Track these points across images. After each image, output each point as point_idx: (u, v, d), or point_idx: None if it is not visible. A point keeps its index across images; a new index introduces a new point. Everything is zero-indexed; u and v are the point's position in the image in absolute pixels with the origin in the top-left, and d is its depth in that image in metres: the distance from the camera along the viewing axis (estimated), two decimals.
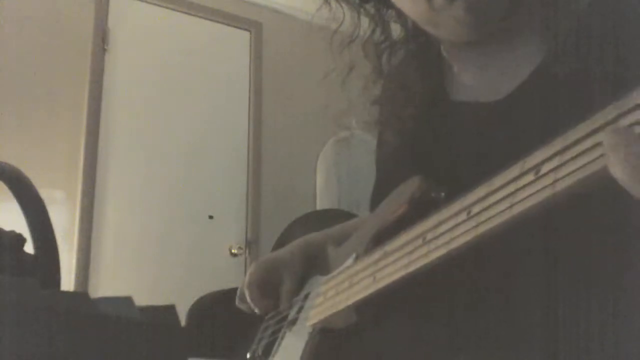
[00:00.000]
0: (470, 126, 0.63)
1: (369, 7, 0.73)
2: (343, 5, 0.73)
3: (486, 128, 0.61)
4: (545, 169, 0.35)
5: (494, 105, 0.61)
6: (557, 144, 0.35)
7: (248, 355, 0.82)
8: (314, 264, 0.80)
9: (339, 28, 0.74)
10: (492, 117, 0.61)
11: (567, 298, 0.50)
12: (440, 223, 0.45)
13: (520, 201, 0.38)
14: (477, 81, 0.66)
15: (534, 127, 0.55)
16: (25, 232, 1.00)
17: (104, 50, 3.15)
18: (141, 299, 0.94)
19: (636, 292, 0.38)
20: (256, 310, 0.83)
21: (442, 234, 0.44)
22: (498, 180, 0.41)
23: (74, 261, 2.83)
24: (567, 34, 0.55)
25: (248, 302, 0.82)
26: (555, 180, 0.34)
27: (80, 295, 0.90)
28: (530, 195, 0.37)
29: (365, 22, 0.74)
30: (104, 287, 2.87)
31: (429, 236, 0.46)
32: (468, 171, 0.60)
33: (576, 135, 0.34)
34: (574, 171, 0.33)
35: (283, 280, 0.81)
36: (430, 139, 0.67)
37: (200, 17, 3.49)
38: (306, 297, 0.75)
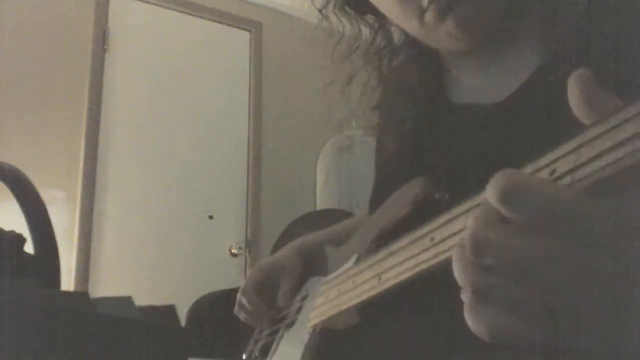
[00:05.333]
0: (470, 128, 0.63)
1: (368, 17, 0.73)
2: (342, 19, 0.74)
3: (486, 130, 0.61)
4: (560, 169, 0.34)
5: (493, 107, 0.61)
6: (574, 143, 0.34)
7: (244, 356, 0.82)
8: (312, 265, 0.80)
9: (339, 40, 0.75)
10: (492, 119, 0.61)
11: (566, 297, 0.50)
12: (447, 223, 0.44)
13: None
14: (477, 84, 0.66)
15: (534, 128, 0.55)
16: (25, 232, 1.00)
17: (104, 50, 3.15)
18: (141, 299, 0.94)
19: (637, 291, 0.37)
20: (253, 318, 0.82)
21: (451, 235, 0.44)
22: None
23: (74, 261, 2.83)
24: (566, 36, 0.55)
25: (246, 307, 0.82)
26: (572, 182, 0.33)
27: (80, 295, 0.90)
28: None
29: (366, 30, 0.75)
30: (104, 287, 2.87)
31: (437, 237, 0.45)
32: (468, 173, 0.60)
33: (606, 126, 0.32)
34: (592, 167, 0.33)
35: (281, 283, 0.80)
36: (430, 141, 0.68)
37: (200, 17, 3.49)
38: (304, 298, 0.74)
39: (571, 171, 0.33)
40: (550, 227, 0.32)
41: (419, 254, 0.47)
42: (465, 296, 0.35)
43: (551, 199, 0.32)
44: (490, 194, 0.33)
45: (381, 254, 0.54)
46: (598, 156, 0.31)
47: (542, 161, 0.35)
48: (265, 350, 0.76)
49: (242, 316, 0.84)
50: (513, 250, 0.32)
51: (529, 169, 0.36)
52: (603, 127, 0.31)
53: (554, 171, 0.34)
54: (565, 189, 0.32)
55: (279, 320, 0.78)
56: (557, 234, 0.32)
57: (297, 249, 0.85)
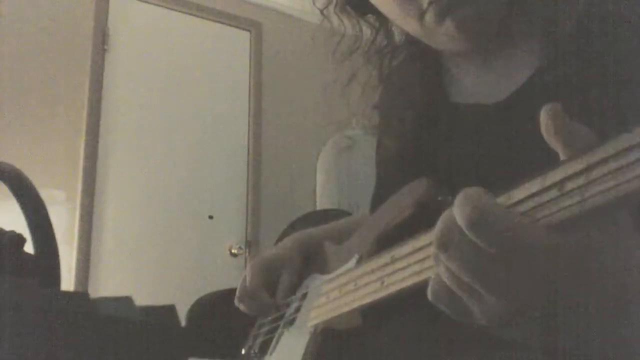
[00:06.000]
0: (470, 127, 0.63)
1: (369, 17, 0.73)
2: (343, 19, 0.74)
3: (486, 129, 0.61)
4: (569, 185, 0.34)
5: (494, 106, 0.61)
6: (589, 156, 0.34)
7: (242, 351, 0.81)
8: (312, 262, 0.80)
9: (340, 41, 0.75)
10: (492, 119, 0.61)
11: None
12: None
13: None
14: (477, 83, 0.66)
15: (533, 129, 0.55)
16: (25, 232, 0.99)
17: (104, 50, 3.15)
18: (141, 299, 0.94)
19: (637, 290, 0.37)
20: (255, 311, 0.82)
21: None
22: (517, 192, 0.39)
23: (74, 261, 2.83)
24: (564, 37, 0.56)
25: (247, 302, 0.82)
26: (583, 200, 0.33)
27: (80, 295, 0.90)
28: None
29: (367, 29, 0.75)
30: (104, 287, 2.87)
31: None
32: (468, 172, 0.60)
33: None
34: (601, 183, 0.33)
35: (281, 278, 0.80)
36: (430, 140, 0.68)
37: (200, 17, 3.49)
38: (304, 296, 0.74)
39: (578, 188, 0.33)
40: (510, 257, 0.35)
41: (423, 260, 0.47)
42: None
43: (513, 234, 0.34)
44: (458, 218, 0.35)
45: (384, 257, 0.53)
46: (605, 176, 0.32)
47: (550, 177, 0.35)
48: (265, 347, 0.76)
49: (242, 307, 0.84)
50: (471, 264, 0.36)
51: (537, 184, 0.36)
52: (586, 162, 0.32)
53: (561, 189, 0.34)
54: (529, 225, 0.35)
55: (278, 317, 0.78)
56: (516, 264, 0.35)
57: (298, 243, 0.85)
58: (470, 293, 0.38)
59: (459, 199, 0.36)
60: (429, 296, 0.40)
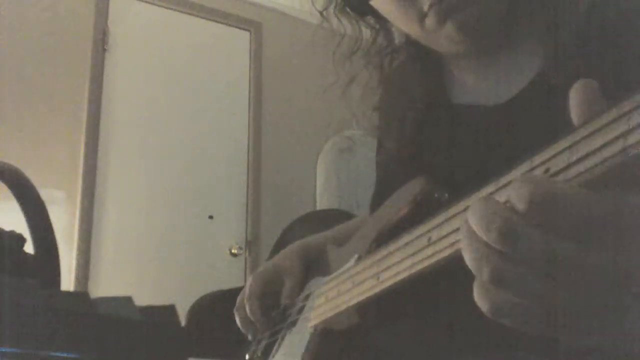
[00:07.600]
0: (472, 129, 0.63)
1: (369, 18, 0.73)
2: (343, 20, 0.74)
3: (487, 131, 0.61)
4: (554, 167, 0.35)
5: (495, 108, 0.61)
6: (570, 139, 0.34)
7: (247, 356, 0.82)
8: (314, 266, 0.80)
9: (340, 42, 0.75)
10: (493, 120, 0.61)
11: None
12: (444, 222, 0.44)
13: None
14: (478, 85, 0.66)
15: (535, 132, 0.55)
16: (25, 232, 0.99)
17: (104, 50, 3.15)
18: (141, 299, 0.94)
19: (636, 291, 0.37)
20: (247, 325, 0.82)
21: (448, 234, 0.44)
22: (505, 179, 0.40)
23: (74, 261, 2.83)
24: (566, 40, 0.56)
25: (247, 315, 0.81)
26: (565, 180, 0.33)
27: (80, 295, 0.90)
28: None
29: (366, 30, 0.75)
30: (104, 287, 2.87)
31: (434, 236, 0.45)
32: (468, 173, 0.60)
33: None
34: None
35: (285, 284, 0.80)
36: (431, 141, 0.68)
37: (200, 17, 3.49)
38: (307, 297, 0.74)
39: (564, 169, 0.33)
40: (580, 232, 0.31)
41: (416, 253, 0.47)
42: (478, 276, 0.35)
43: (583, 210, 0.31)
44: (519, 201, 0.32)
45: (380, 253, 0.54)
46: (589, 155, 0.32)
47: (537, 159, 0.35)
48: (268, 350, 0.76)
49: (238, 319, 0.84)
50: (545, 250, 0.32)
51: (524, 167, 0.36)
52: (594, 126, 0.31)
53: (547, 170, 0.35)
54: (593, 197, 0.32)
55: (281, 320, 0.78)
56: (586, 239, 0.31)
57: (297, 251, 0.84)
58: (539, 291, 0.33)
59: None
60: (490, 314, 0.35)
